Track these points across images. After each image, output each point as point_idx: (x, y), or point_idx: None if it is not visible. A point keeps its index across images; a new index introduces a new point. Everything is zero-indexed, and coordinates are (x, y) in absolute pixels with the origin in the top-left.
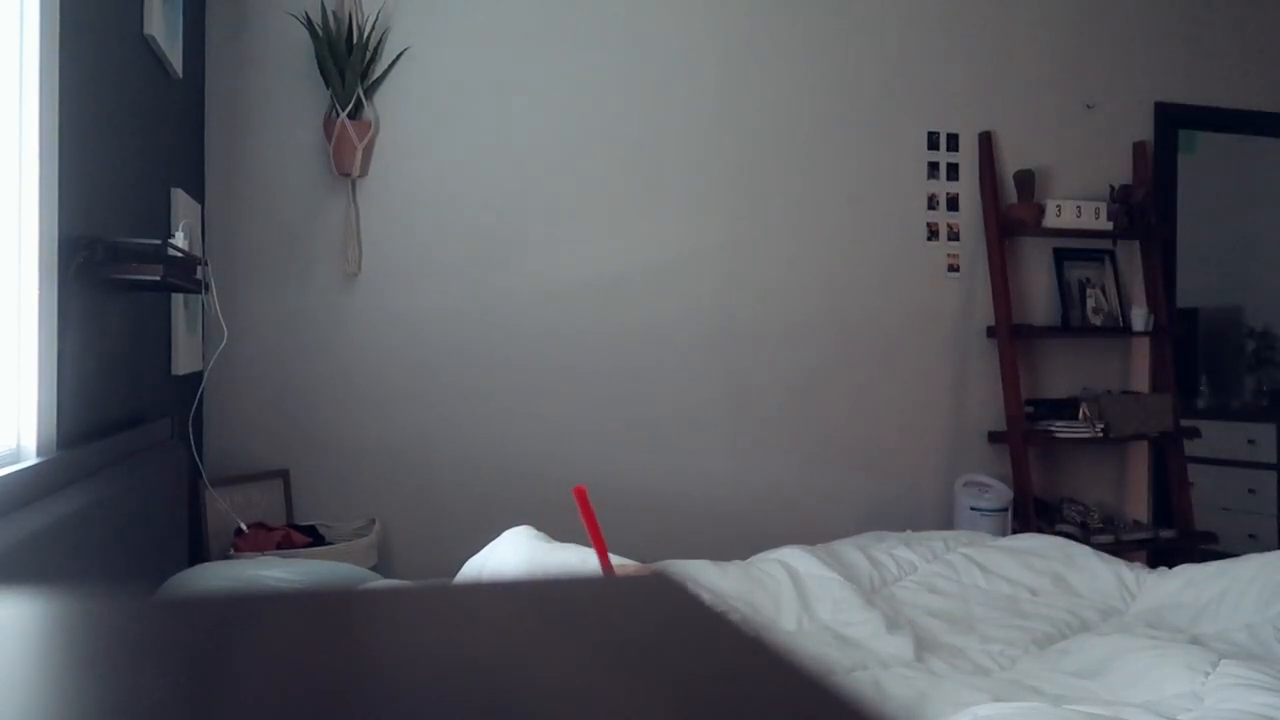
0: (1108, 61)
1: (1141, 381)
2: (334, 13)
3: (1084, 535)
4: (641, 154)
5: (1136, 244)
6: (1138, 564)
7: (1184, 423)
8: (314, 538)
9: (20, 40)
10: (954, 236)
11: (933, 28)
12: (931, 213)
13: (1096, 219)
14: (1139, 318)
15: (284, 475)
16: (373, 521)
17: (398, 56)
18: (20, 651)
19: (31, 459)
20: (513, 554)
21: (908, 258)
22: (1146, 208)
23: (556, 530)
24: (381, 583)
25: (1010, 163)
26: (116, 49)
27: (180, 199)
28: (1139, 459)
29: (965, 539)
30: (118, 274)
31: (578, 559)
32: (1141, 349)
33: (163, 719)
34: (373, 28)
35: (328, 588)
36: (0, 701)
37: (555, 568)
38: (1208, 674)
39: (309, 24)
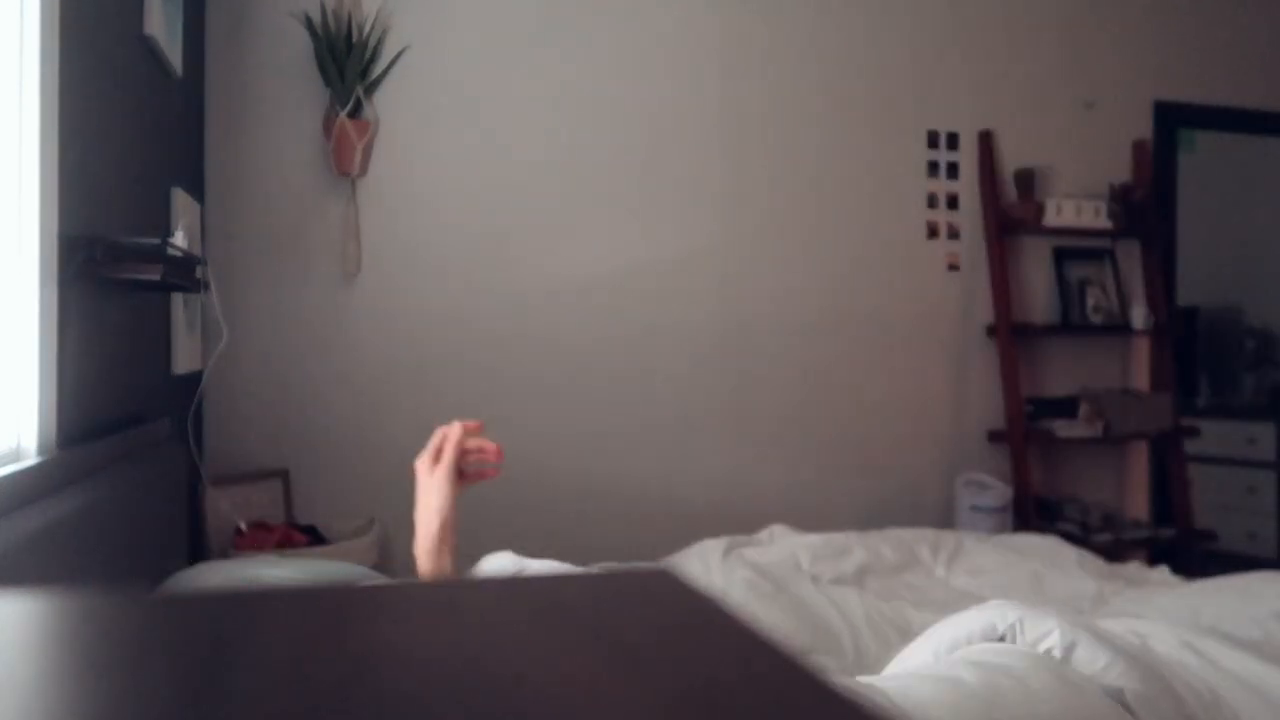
0: (1107, 60)
1: (1141, 380)
2: (333, 12)
3: (1084, 534)
4: (641, 153)
5: (1136, 243)
6: (1135, 563)
7: (1184, 421)
8: (313, 537)
9: (20, 40)
10: (954, 235)
11: (933, 26)
12: (931, 211)
13: (1096, 217)
14: (1139, 316)
15: (283, 475)
16: (372, 521)
17: (397, 56)
18: (22, 649)
19: (31, 458)
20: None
21: (908, 256)
22: (1146, 206)
23: (556, 527)
24: (382, 580)
25: (1010, 161)
26: (116, 48)
27: (180, 198)
28: (1139, 458)
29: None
30: (118, 273)
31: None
32: (1141, 348)
33: (165, 714)
34: (372, 27)
35: (327, 583)
36: (4, 699)
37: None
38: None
39: (308, 23)
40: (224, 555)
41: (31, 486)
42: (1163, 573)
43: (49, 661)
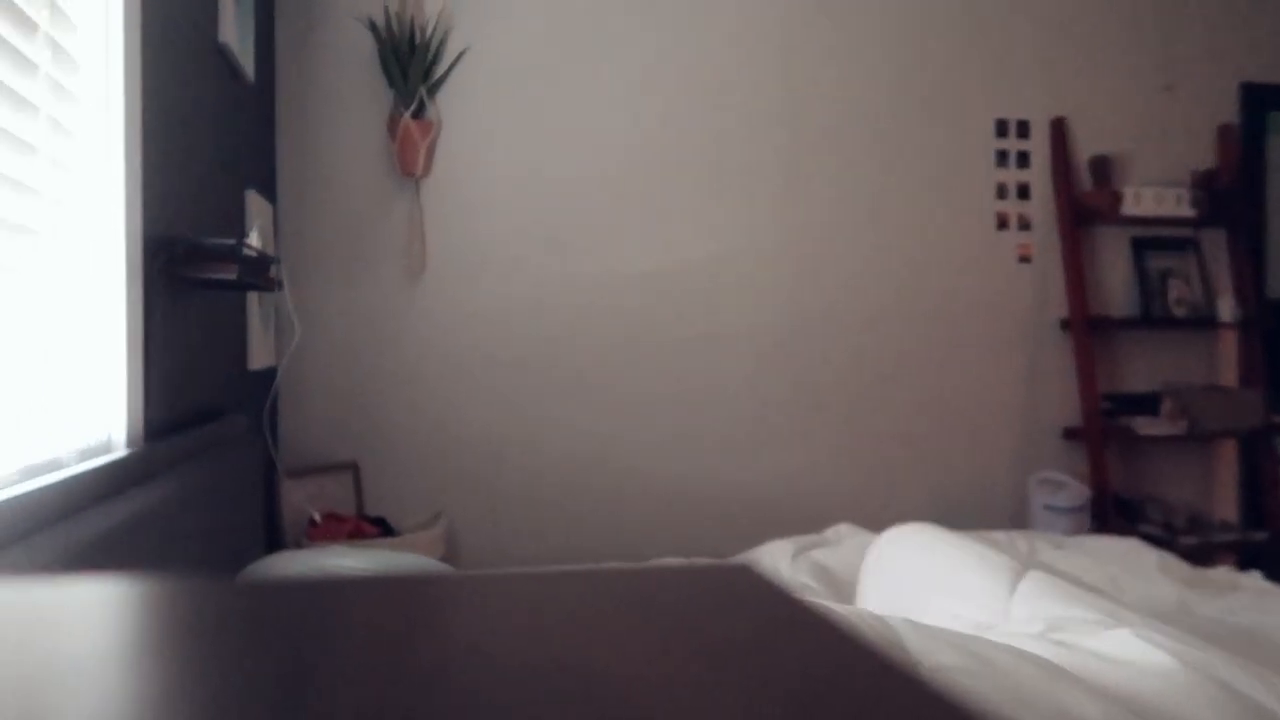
0: (1189, 40)
1: (1229, 376)
2: (397, 15)
3: (1169, 536)
4: (705, 147)
5: (1223, 231)
6: (1224, 568)
7: (1275, 419)
8: (383, 529)
9: (105, 52)
10: (1025, 226)
11: (999, 7)
12: (1001, 202)
13: (1178, 205)
14: (1225, 309)
15: (354, 467)
16: (439, 514)
17: (459, 56)
18: (114, 631)
19: (121, 450)
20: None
21: (977, 248)
22: (1233, 193)
23: (621, 525)
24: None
25: (1085, 148)
26: (193, 57)
27: (254, 200)
28: (1227, 457)
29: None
30: (197, 273)
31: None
32: (1229, 342)
33: (252, 695)
34: (434, 29)
35: (411, 572)
36: (98, 676)
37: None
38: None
39: (372, 27)
40: (298, 545)
41: (121, 477)
42: (1254, 578)
43: (139, 642)
